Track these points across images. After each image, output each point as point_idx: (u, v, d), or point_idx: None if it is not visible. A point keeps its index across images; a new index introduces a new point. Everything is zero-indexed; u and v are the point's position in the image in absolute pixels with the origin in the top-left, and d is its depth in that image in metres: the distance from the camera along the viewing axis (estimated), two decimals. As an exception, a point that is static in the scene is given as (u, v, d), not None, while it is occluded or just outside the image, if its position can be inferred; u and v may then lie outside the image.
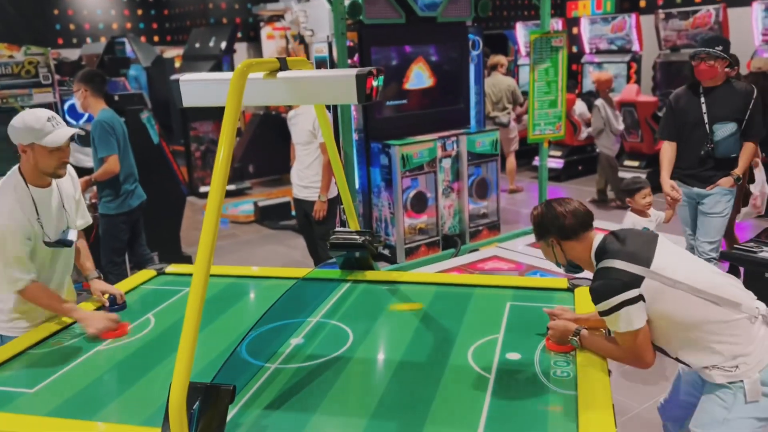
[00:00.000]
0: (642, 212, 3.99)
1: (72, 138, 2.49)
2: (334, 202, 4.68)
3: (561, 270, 2.36)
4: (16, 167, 2.55)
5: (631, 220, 3.99)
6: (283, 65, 2.10)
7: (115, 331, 2.48)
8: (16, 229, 2.42)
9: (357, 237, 2.93)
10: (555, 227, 2.17)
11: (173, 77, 2.20)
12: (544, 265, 4.77)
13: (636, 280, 2.01)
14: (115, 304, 2.74)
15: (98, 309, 2.74)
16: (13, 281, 2.46)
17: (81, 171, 4.78)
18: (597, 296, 2.05)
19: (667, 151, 4.27)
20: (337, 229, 3.02)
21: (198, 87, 2.18)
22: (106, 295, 2.74)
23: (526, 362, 2.16)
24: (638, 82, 9.21)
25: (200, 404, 1.71)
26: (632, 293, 2.00)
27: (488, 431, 1.79)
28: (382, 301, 2.76)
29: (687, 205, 4.30)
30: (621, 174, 8.03)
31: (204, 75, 2.21)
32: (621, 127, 7.52)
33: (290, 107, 4.93)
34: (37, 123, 2.42)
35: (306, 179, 4.57)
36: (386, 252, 5.65)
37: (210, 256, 1.77)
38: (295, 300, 2.72)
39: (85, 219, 2.83)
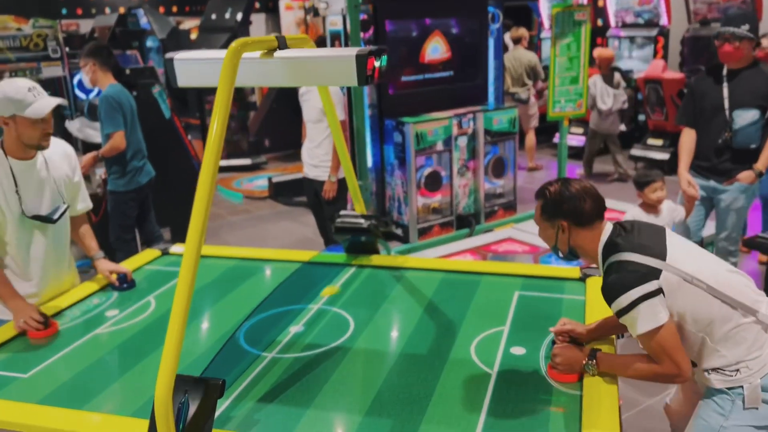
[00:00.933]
0: (651, 207, 3.61)
1: (64, 111, 2.41)
2: (345, 183, 4.58)
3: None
4: None
5: (631, 216, 3.60)
6: (282, 44, 2.00)
7: (41, 331, 2.33)
8: None
9: (362, 221, 2.85)
10: (571, 211, 1.93)
11: (167, 56, 2.11)
12: (560, 248, 4.65)
13: (654, 272, 1.82)
14: (124, 283, 2.73)
15: (106, 287, 2.74)
16: None
17: (91, 146, 4.77)
18: (612, 292, 1.84)
19: (687, 140, 3.94)
20: (343, 212, 2.93)
21: (193, 66, 2.09)
22: (114, 275, 2.73)
23: (531, 358, 2.07)
24: (665, 57, 8.90)
25: (188, 399, 1.66)
26: (652, 285, 1.80)
27: (487, 430, 1.72)
28: (386, 288, 2.68)
29: (700, 200, 3.96)
30: (640, 152, 7.83)
31: (199, 53, 2.12)
32: (607, 106, 7.36)
33: None
34: (17, 94, 2.32)
35: (316, 158, 4.47)
36: (399, 231, 5.57)
37: (199, 244, 1.70)
38: (297, 285, 2.66)
39: (86, 203, 2.77)
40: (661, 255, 1.87)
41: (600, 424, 1.69)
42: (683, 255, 1.90)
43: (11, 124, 2.37)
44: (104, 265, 2.76)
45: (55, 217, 2.53)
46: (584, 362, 1.90)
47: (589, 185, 1.99)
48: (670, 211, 3.68)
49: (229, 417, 1.83)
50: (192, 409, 1.65)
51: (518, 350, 2.12)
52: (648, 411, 3.20)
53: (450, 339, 2.22)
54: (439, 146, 5.47)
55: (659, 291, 1.81)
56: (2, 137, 2.46)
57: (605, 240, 1.94)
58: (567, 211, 1.93)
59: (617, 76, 7.57)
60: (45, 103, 2.36)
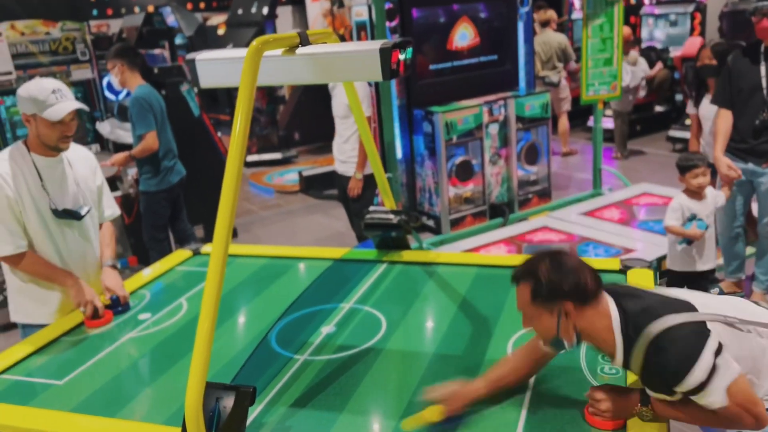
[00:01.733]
0: (695, 194, 3.46)
1: (82, 115, 2.43)
2: (373, 179, 4.50)
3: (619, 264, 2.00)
4: (24, 138, 2.50)
5: (678, 202, 3.46)
6: (304, 40, 1.95)
7: (97, 320, 2.42)
8: (10, 191, 2.36)
9: (392, 216, 2.79)
10: (572, 288, 1.55)
11: (189, 56, 2.08)
12: (598, 237, 4.54)
13: (703, 326, 1.52)
14: (117, 306, 2.53)
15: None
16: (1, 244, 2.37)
17: (122, 147, 4.81)
18: (678, 368, 1.46)
19: (723, 122, 3.78)
20: (372, 208, 2.88)
21: (214, 67, 2.05)
22: (110, 294, 2.55)
23: (570, 358, 1.99)
24: (702, 34, 8.60)
25: (218, 407, 1.63)
26: (713, 341, 1.49)
27: (527, 436, 1.66)
28: (418, 285, 2.63)
29: (738, 185, 3.81)
30: (678, 133, 7.59)
31: (221, 53, 2.08)
32: (624, 83, 7.12)
33: None
34: (40, 94, 2.33)
35: (344, 153, 4.42)
36: (430, 223, 5.50)
37: (224, 254, 1.66)
38: (328, 284, 2.62)
39: (113, 210, 2.76)
40: (689, 306, 1.57)
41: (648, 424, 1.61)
42: (698, 298, 1.64)
43: (32, 123, 2.39)
44: (108, 278, 2.59)
45: (82, 213, 2.54)
46: (636, 409, 1.60)
47: (574, 255, 1.67)
48: (713, 197, 3.54)
49: (261, 423, 1.80)
50: (223, 417, 1.63)
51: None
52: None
53: (485, 338, 2.15)
54: (470, 135, 5.37)
55: (721, 345, 1.51)
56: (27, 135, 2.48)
57: (617, 313, 1.58)
58: (568, 289, 1.56)
59: (633, 53, 7.35)
60: (63, 107, 2.35)
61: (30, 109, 2.36)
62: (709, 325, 1.53)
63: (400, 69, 1.86)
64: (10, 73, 4.52)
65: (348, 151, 4.38)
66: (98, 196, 2.69)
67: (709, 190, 3.53)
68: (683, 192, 3.52)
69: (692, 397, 1.52)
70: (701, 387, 1.47)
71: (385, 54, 1.80)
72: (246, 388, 1.65)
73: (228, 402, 1.63)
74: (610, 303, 1.61)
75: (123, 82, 4.30)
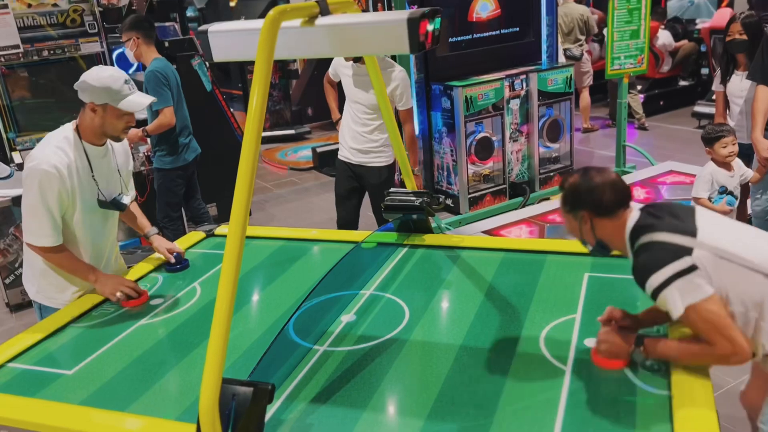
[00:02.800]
0: (724, 164, 3.43)
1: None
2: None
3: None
4: (69, 124, 2.40)
5: (709, 172, 3.45)
6: (324, 10, 1.80)
7: (135, 300, 2.40)
8: (59, 179, 2.28)
9: (414, 198, 2.66)
10: (590, 201, 1.82)
11: (201, 28, 1.93)
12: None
13: (685, 250, 1.68)
14: (181, 261, 2.68)
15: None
16: (41, 235, 2.31)
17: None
18: (642, 274, 1.71)
19: (763, 100, 3.52)
20: (393, 189, 2.75)
21: (229, 39, 1.91)
22: (173, 253, 2.69)
23: (609, 351, 1.87)
24: (731, 5, 8.28)
25: (235, 405, 1.53)
26: (684, 262, 1.66)
27: (564, 439, 1.54)
28: (442, 271, 2.50)
29: None
30: (704, 109, 7.35)
31: (235, 24, 1.94)
32: None
33: None
34: (115, 84, 2.27)
35: (367, 143, 3.95)
36: (448, 202, 5.36)
37: (240, 246, 1.56)
38: (347, 269, 2.50)
39: (131, 195, 2.68)
40: (691, 232, 1.72)
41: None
42: (716, 231, 1.75)
43: (99, 112, 2.31)
44: (161, 242, 2.71)
45: (126, 202, 2.53)
46: (631, 349, 1.79)
47: (612, 174, 1.87)
48: (739, 168, 3.49)
49: (280, 420, 1.69)
50: (240, 416, 1.53)
51: (593, 342, 1.90)
52: (732, 393, 2.96)
53: (516, 329, 2.03)
54: (490, 110, 5.20)
55: (694, 267, 1.66)
56: (77, 122, 2.38)
57: (631, 226, 1.80)
58: (586, 201, 1.83)
59: None
60: (140, 99, 2.32)
61: (102, 99, 2.28)
62: (696, 253, 1.67)
63: (428, 41, 1.72)
64: (18, 47, 4.39)
65: (374, 141, 3.89)
66: (128, 180, 2.63)
67: (737, 163, 3.48)
68: (712, 160, 3.47)
69: (656, 304, 1.74)
70: (656, 292, 1.69)
71: (413, 24, 1.65)
72: (264, 385, 1.55)
73: (245, 400, 1.53)
74: (631, 217, 1.81)
75: (138, 55, 4.14)
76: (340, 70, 3.97)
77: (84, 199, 2.39)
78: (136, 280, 2.57)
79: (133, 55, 4.15)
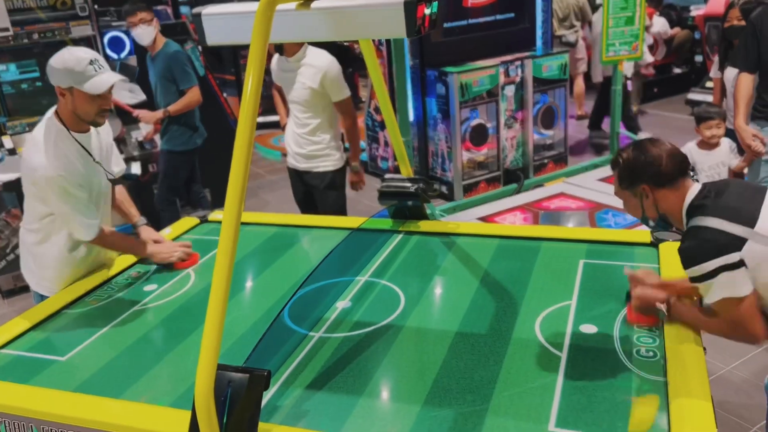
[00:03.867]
0: (706, 144, 3.57)
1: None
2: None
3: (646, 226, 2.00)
4: (51, 112, 2.32)
5: (688, 148, 3.58)
6: (320, -8, 1.77)
7: (187, 260, 2.54)
8: (71, 178, 2.24)
9: (409, 185, 2.65)
10: (650, 173, 1.80)
11: (195, 11, 1.91)
12: (617, 203, 4.37)
13: (736, 243, 1.66)
14: None
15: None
16: (87, 227, 2.32)
17: (121, 108, 4.63)
18: (687, 259, 1.72)
19: (746, 87, 3.51)
20: (388, 176, 2.73)
21: (223, 22, 1.89)
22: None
23: (604, 338, 1.87)
24: (727, -9, 8.26)
25: (230, 392, 1.52)
26: (732, 258, 1.65)
27: (562, 424, 1.55)
28: (437, 257, 2.50)
29: None
30: (698, 96, 7.35)
31: (230, 7, 1.90)
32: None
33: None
34: (78, 65, 2.15)
35: (307, 146, 3.58)
36: (443, 189, 5.35)
37: (237, 223, 1.54)
38: (342, 255, 2.49)
39: (121, 165, 2.63)
40: (750, 221, 1.68)
41: (691, 418, 1.49)
42: None
43: (68, 96, 2.22)
44: (148, 233, 2.64)
45: (134, 172, 2.51)
46: (658, 305, 1.85)
47: (666, 143, 1.85)
48: (726, 153, 3.59)
49: (276, 407, 1.69)
50: (236, 402, 1.52)
51: (589, 328, 1.92)
52: (723, 380, 2.99)
53: (511, 315, 2.03)
54: (485, 97, 5.18)
55: (740, 264, 1.66)
56: (56, 108, 2.31)
57: (690, 200, 1.79)
58: (645, 173, 1.80)
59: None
60: (105, 79, 2.18)
61: (66, 82, 2.18)
62: (748, 245, 1.65)
63: (425, 25, 1.70)
64: (7, 29, 4.32)
65: (316, 143, 3.51)
66: (111, 153, 2.57)
67: (725, 143, 3.58)
68: (696, 142, 3.63)
69: (695, 284, 1.75)
70: (697, 280, 1.71)
71: (410, 8, 1.63)
72: (260, 371, 1.54)
73: (241, 387, 1.52)
74: (692, 189, 1.80)
75: (156, 35, 4.11)
76: (275, 71, 3.59)
77: (91, 186, 2.34)
78: (122, 271, 2.54)
79: (155, 35, 4.09)
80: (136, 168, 2.48)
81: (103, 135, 2.48)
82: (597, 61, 6.41)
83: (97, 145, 2.43)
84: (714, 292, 1.69)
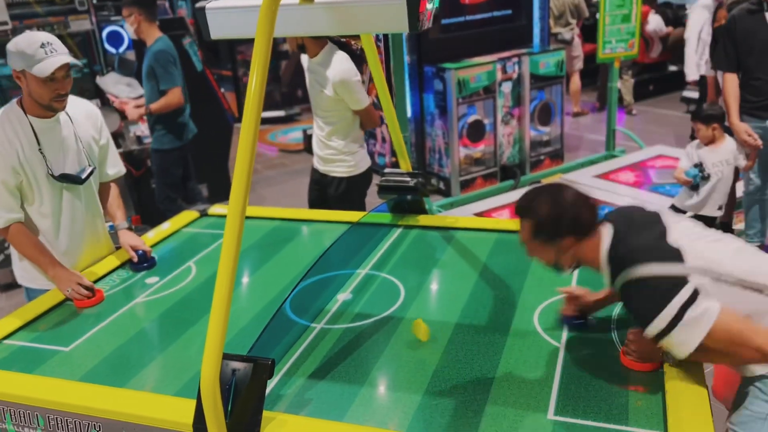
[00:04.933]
0: (711, 142, 3.59)
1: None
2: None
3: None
4: (15, 99, 2.31)
5: (692, 148, 3.64)
6: (323, -13, 1.79)
7: (88, 300, 2.26)
8: (1, 159, 2.19)
9: (408, 179, 2.67)
10: (571, 226, 1.64)
11: (198, 5, 1.92)
12: (613, 200, 4.42)
13: (680, 280, 1.54)
14: (144, 261, 2.50)
15: (126, 263, 2.54)
16: None
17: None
18: (646, 315, 1.54)
19: (732, 87, 3.68)
20: (388, 170, 2.76)
21: (227, 16, 1.90)
22: (138, 251, 2.51)
23: (601, 329, 1.91)
24: (721, -11, 8.30)
25: (235, 380, 1.55)
26: (687, 291, 1.51)
27: (560, 413, 1.58)
28: (436, 251, 2.53)
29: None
30: (692, 94, 7.40)
31: (233, 1, 1.92)
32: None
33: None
34: (29, 48, 2.11)
35: (327, 149, 3.45)
36: (440, 185, 5.38)
37: (242, 213, 1.55)
38: (343, 248, 2.52)
39: (117, 168, 2.59)
40: (676, 256, 1.57)
41: (687, 403, 1.52)
42: (699, 246, 1.62)
43: (23, 80, 2.19)
44: (127, 238, 2.53)
45: (83, 176, 2.35)
46: (663, 353, 1.66)
47: (572, 188, 1.72)
48: (731, 151, 3.61)
49: (279, 396, 1.72)
50: (240, 390, 1.54)
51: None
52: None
53: (510, 307, 2.06)
54: (482, 93, 5.20)
55: (696, 293, 1.52)
56: (21, 95, 2.29)
57: (608, 244, 1.65)
58: (566, 227, 1.65)
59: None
60: (53, 62, 2.12)
61: (19, 65, 2.16)
62: (692, 280, 1.54)
63: (427, 19, 1.72)
64: (6, 23, 4.32)
65: (332, 147, 3.38)
66: (103, 155, 2.52)
67: (729, 142, 3.60)
68: (697, 141, 3.65)
69: (661, 343, 1.57)
70: (662, 335, 1.54)
71: (413, 3, 1.65)
72: (264, 360, 1.57)
73: (245, 375, 1.55)
74: (605, 234, 1.67)
75: (139, 32, 4.06)
76: (304, 65, 3.46)
77: (35, 173, 2.25)
78: (102, 277, 2.45)
79: (134, 31, 4.08)
80: (86, 172, 2.30)
81: (80, 129, 2.38)
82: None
83: (66, 135, 2.33)
84: (691, 337, 1.53)
